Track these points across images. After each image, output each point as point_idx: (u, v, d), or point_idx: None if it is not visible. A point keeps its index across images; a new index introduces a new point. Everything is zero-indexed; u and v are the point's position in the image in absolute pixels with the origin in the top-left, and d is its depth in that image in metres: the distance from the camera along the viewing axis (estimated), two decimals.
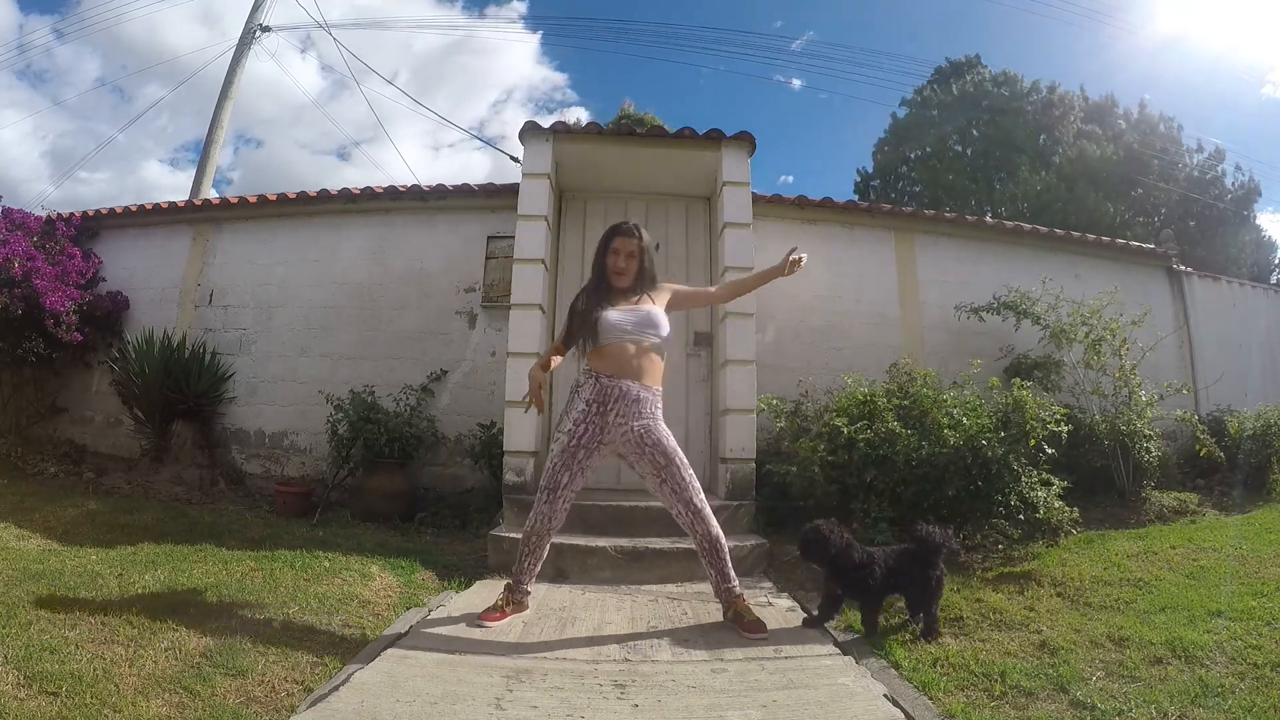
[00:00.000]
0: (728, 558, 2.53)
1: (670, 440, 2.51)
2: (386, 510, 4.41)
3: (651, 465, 2.48)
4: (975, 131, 16.16)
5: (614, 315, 2.52)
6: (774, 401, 4.08)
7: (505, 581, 2.63)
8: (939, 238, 5.59)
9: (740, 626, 2.41)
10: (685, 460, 2.52)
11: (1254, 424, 4.65)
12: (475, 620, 2.44)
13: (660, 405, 2.57)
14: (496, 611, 2.47)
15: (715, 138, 4.34)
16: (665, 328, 2.59)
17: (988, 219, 6.36)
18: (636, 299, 2.61)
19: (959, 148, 16.59)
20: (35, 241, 5.19)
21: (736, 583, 2.54)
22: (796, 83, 44.03)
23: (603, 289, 2.60)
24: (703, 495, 2.53)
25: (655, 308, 2.60)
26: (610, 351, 2.50)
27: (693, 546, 3.08)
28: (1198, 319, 5.98)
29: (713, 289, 3.27)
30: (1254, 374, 6.07)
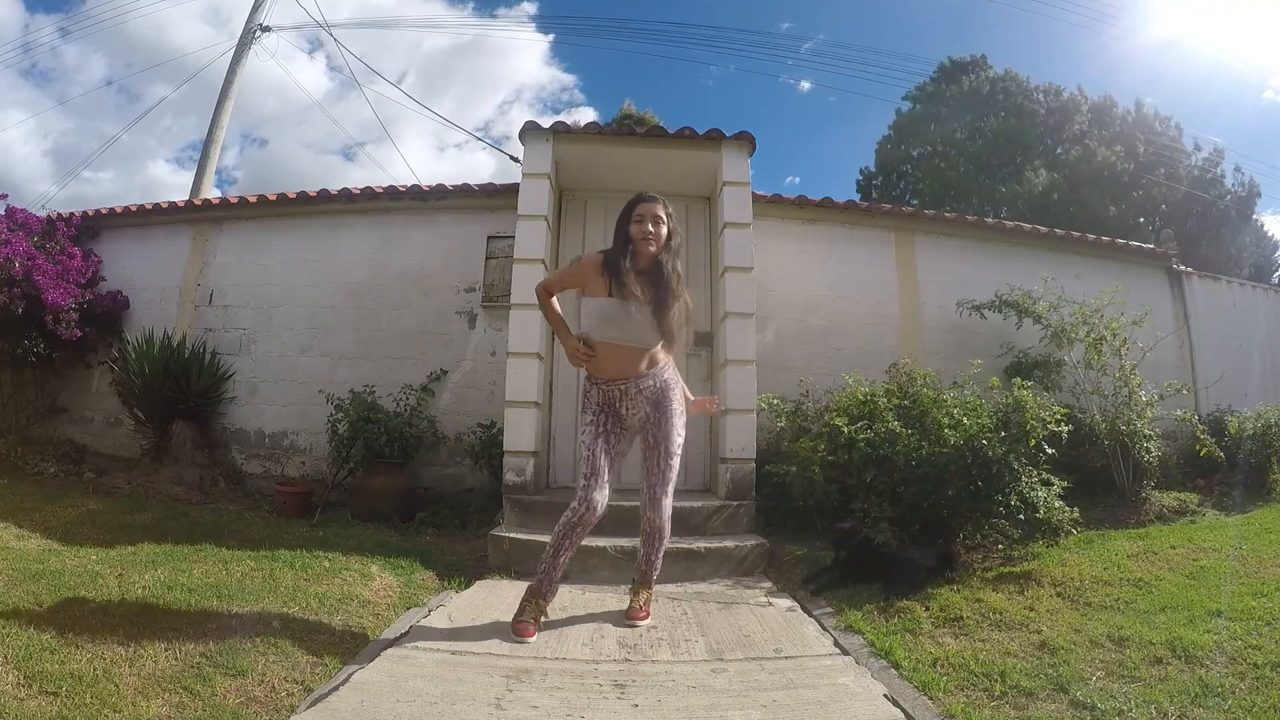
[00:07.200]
0: (664, 550, 2.65)
1: (674, 433, 2.50)
2: (386, 510, 4.41)
3: (652, 437, 2.49)
4: (978, 130, 16.14)
5: (624, 307, 2.38)
6: (774, 401, 4.09)
7: (528, 584, 2.47)
8: (939, 237, 5.60)
9: (627, 612, 2.57)
10: (676, 452, 2.52)
11: (1254, 424, 4.64)
12: (510, 635, 2.32)
13: (670, 372, 2.53)
14: (529, 624, 2.36)
15: (715, 137, 4.34)
16: (670, 336, 2.45)
17: (988, 219, 6.36)
18: (653, 291, 2.41)
19: (962, 146, 16.56)
20: (36, 241, 5.18)
21: (656, 575, 2.67)
22: (805, 84, 43.99)
23: (624, 266, 2.39)
24: (671, 492, 2.55)
25: (665, 310, 2.40)
26: (607, 354, 2.42)
27: (692, 547, 3.19)
28: (1198, 319, 5.97)
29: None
30: (1254, 374, 6.05)
